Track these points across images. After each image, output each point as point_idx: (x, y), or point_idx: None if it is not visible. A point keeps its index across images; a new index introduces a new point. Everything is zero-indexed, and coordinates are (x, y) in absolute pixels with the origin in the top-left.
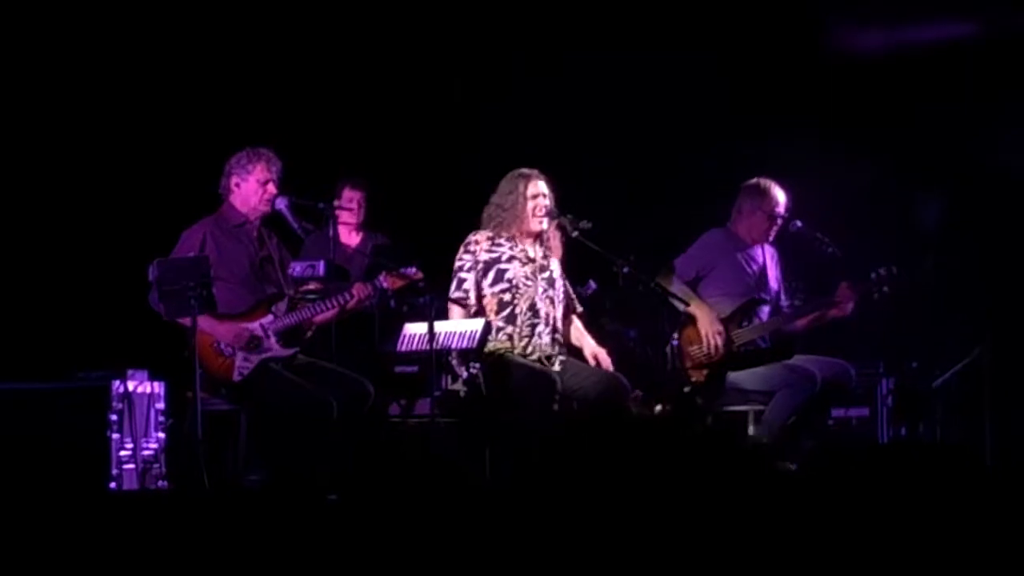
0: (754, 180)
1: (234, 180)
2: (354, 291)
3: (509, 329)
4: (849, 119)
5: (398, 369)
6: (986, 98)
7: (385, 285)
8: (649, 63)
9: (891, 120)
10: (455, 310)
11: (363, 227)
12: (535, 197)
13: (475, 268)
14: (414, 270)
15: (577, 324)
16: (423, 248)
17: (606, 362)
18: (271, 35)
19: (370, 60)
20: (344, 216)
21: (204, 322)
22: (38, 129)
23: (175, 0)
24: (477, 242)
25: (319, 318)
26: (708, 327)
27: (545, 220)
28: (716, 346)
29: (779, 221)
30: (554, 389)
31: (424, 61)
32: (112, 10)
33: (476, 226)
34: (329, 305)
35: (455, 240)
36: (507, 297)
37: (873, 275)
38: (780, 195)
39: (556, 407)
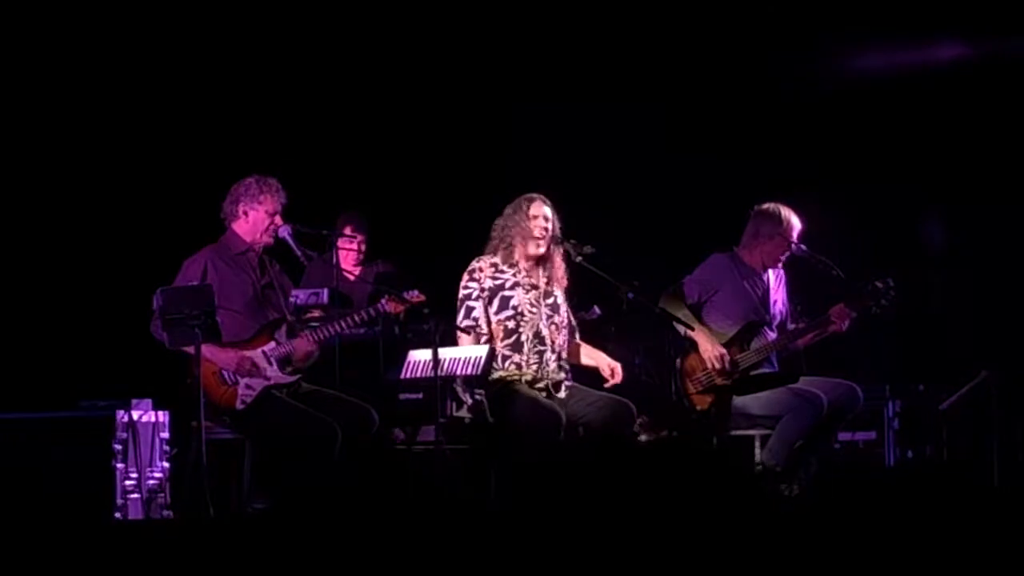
0: (768, 205)
1: (242, 208)
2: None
3: (517, 357)
4: (851, 140)
5: (402, 396)
6: (988, 118)
7: (388, 309)
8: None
9: (894, 141)
10: (464, 339)
11: (363, 262)
12: (536, 218)
13: (482, 296)
14: (416, 293)
15: (584, 344)
16: (425, 274)
17: (620, 377)
18: (271, 62)
19: (370, 83)
20: (344, 248)
21: (207, 350)
22: (42, 158)
23: (178, 32)
24: (481, 269)
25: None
26: (709, 350)
27: (543, 243)
28: (718, 369)
29: (793, 247)
30: (559, 423)
31: (427, 85)
32: (113, 42)
33: (479, 252)
34: (329, 331)
35: (458, 266)
36: (512, 324)
37: (868, 287)
38: (796, 220)
39: (561, 437)
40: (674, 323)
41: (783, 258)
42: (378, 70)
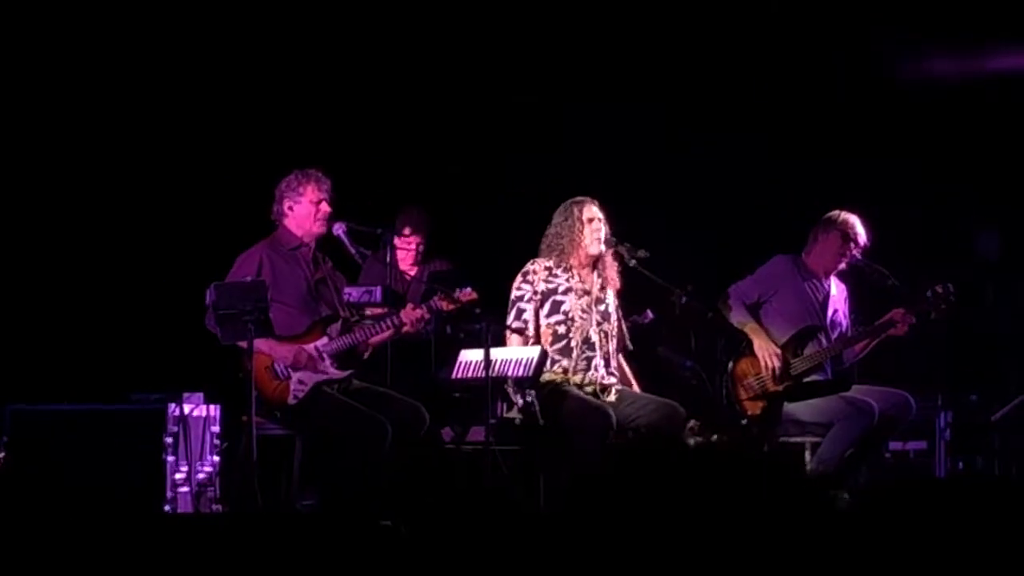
0: (830, 213)
1: (287, 204)
2: (404, 315)
3: (565, 362)
4: (907, 149)
5: (457, 395)
6: None
7: (440, 307)
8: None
9: (950, 150)
10: (514, 339)
11: (421, 262)
12: (591, 221)
13: (534, 298)
14: (468, 291)
15: (623, 363)
16: (479, 274)
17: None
18: (327, 60)
19: (424, 84)
20: (401, 247)
21: (263, 343)
22: (95, 153)
23: (229, 30)
24: (535, 272)
25: (374, 339)
26: (764, 349)
27: (603, 244)
28: (773, 368)
29: (852, 247)
30: (609, 423)
31: (480, 87)
32: (166, 39)
33: (533, 254)
34: (383, 327)
35: (512, 267)
36: (562, 329)
37: (929, 293)
38: (853, 219)
39: (611, 439)
40: (727, 326)
41: (843, 260)
42: (432, 64)
